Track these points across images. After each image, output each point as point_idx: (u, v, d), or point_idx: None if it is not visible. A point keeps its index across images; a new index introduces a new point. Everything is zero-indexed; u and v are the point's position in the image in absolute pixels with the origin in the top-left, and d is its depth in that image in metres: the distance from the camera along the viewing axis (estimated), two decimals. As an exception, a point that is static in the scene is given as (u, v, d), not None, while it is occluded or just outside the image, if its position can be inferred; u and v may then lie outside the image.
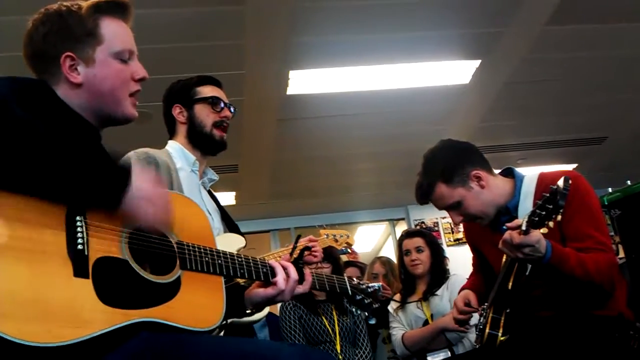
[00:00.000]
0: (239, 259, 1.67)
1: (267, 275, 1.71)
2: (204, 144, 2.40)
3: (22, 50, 1.55)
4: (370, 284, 2.12)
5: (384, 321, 3.82)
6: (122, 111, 1.58)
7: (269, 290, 1.71)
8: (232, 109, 2.46)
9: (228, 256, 1.63)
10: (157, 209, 1.40)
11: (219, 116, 2.40)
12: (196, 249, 1.55)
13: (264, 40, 4.36)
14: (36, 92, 1.46)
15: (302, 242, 2.43)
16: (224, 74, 4.41)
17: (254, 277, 1.70)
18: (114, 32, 1.55)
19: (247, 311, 1.78)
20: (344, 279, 2.04)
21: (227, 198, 7.27)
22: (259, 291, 1.72)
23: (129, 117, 1.60)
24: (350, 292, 2.02)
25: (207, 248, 1.58)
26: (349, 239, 3.61)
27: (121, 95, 1.57)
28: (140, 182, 1.39)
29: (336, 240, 3.55)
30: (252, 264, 1.70)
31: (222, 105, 2.41)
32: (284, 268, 1.74)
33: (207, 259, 1.56)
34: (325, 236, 3.45)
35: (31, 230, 1.24)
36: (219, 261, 1.59)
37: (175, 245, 1.51)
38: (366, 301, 2.05)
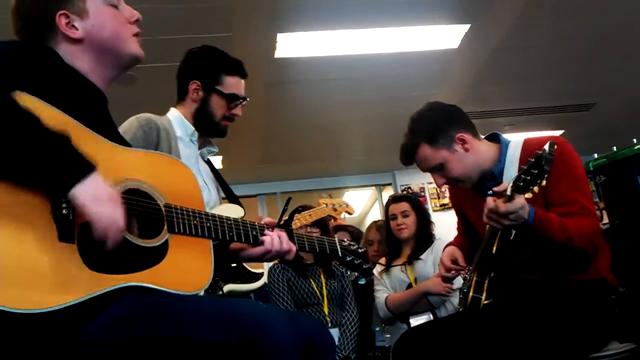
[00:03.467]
0: (228, 222, 1.66)
1: (256, 238, 1.74)
2: (206, 128, 2.38)
3: (12, 25, 1.54)
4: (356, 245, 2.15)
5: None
6: (129, 50, 1.60)
7: (256, 250, 1.76)
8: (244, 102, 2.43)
9: (217, 219, 1.63)
10: (114, 216, 1.32)
11: (230, 112, 2.38)
12: (184, 212, 1.53)
13: (252, 2, 4.30)
14: (41, 57, 1.44)
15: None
16: (211, 36, 4.37)
17: (243, 240, 1.71)
18: None
19: (233, 265, 1.82)
20: (334, 241, 2.07)
21: (214, 162, 7.22)
22: (248, 251, 1.79)
23: (137, 55, 1.62)
24: (340, 253, 2.05)
25: (196, 211, 1.57)
26: (347, 207, 3.62)
27: (125, 35, 1.59)
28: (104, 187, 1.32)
29: (335, 210, 3.57)
30: (241, 227, 1.70)
31: (237, 102, 2.38)
32: (273, 231, 1.79)
33: (195, 222, 1.55)
34: (325, 205, 3.47)
35: (15, 194, 1.23)
36: (208, 224, 1.58)
37: (163, 208, 1.49)
38: (356, 262, 2.09)
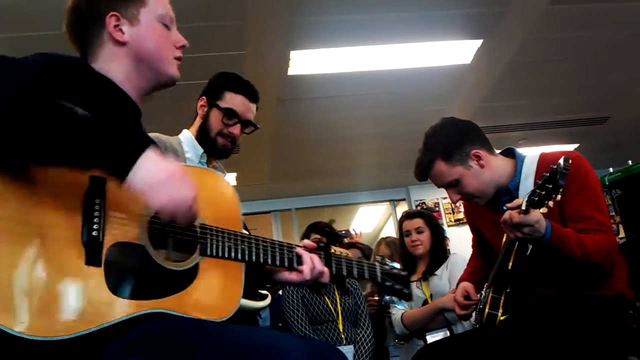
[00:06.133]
0: (264, 244, 1.58)
1: (291, 262, 1.65)
2: (205, 145, 2.40)
3: (65, 21, 1.56)
4: (396, 267, 1.98)
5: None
6: (167, 70, 1.59)
7: (292, 276, 1.67)
8: (246, 130, 2.43)
9: (252, 241, 1.55)
10: (175, 196, 1.27)
11: (226, 129, 2.38)
12: (219, 234, 1.47)
13: (265, 20, 4.33)
14: (75, 68, 1.44)
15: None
16: (224, 54, 4.41)
17: (278, 264, 1.62)
18: None
19: (267, 286, 1.76)
20: (375, 265, 1.93)
21: (228, 179, 7.24)
22: (283, 274, 1.69)
23: (174, 77, 1.62)
24: (379, 279, 1.90)
25: (232, 232, 1.50)
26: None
27: (167, 54, 1.59)
28: (161, 165, 1.27)
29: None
30: (277, 250, 1.62)
31: (235, 120, 2.39)
32: (311, 257, 1.68)
33: (229, 244, 1.49)
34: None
35: (44, 213, 1.20)
36: (242, 246, 1.52)
37: (198, 230, 1.43)
38: (396, 287, 1.93)
